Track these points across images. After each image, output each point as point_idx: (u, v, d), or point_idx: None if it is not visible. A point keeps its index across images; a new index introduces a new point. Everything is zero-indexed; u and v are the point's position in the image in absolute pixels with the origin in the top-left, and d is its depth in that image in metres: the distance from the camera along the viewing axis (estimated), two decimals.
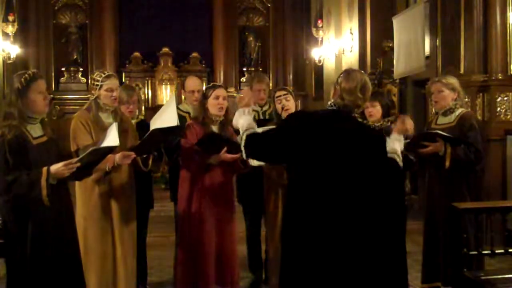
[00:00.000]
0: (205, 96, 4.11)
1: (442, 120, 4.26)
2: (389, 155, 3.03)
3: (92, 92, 3.87)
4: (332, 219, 2.79)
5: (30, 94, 3.17)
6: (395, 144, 3.10)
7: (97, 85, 3.83)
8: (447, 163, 3.99)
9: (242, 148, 2.97)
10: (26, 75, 3.18)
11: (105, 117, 3.84)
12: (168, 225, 5.55)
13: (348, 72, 2.98)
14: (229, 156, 3.91)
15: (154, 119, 3.94)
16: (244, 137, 2.97)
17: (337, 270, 2.78)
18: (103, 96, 3.82)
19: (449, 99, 4.19)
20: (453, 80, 4.25)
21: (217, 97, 4.06)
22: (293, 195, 2.92)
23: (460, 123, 4.13)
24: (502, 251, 3.78)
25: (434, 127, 4.27)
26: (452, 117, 4.20)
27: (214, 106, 4.06)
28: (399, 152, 3.09)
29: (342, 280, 2.78)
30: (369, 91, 2.95)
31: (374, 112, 4.22)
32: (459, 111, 4.21)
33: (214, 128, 4.08)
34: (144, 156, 3.97)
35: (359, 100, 2.90)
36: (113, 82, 3.87)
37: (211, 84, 4.27)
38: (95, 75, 3.90)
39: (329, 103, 3.00)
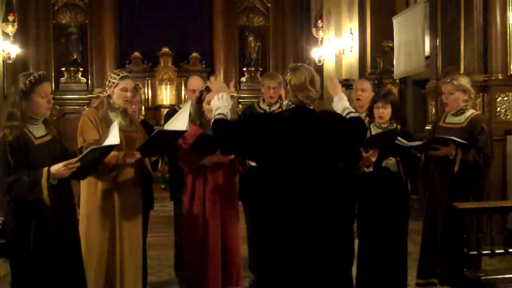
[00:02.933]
0: (199, 99, 4.09)
1: (451, 119, 4.23)
2: (347, 116, 3.04)
3: (106, 89, 3.87)
4: (303, 214, 2.80)
5: (34, 97, 3.17)
6: (344, 103, 3.13)
7: (113, 83, 3.82)
8: (456, 168, 3.99)
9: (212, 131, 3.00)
10: (32, 77, 3.18)
11: (114, 116, 3.83)
12: (168, 225, 5.55)
13: (293, 69, 2.97)
14: (223, 157, 3.90)
15: (168, 124, 3.95)
16: (212, 120, 3.01)
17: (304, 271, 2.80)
18: (117, 95, 3.82)
19: (460, 101, 4.15)
20: (464, 81, 4.21)
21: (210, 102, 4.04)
22: (261, 196, 2.91)
23: (471, 126, 4.10)
24: (502, 251, 3.79)
25: (442, 126, 4.26)
26: (462, 118, 4.17)
27: (209, 111, 4.03)
28: (350, 107, 3.13)
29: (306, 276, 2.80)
30: (318, 82, 2.96)
31: (385, 113, 4.09)
32: (469, 112, 4.17)
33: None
34: (154, 159, 3.96)
35: (311, 93, 2.91)
36: (129, 83, 3.87)
37: (205, 86, 4.17)
38: (112, 73, 3.92)
39: (284, 103, 3.00)
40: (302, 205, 2.80)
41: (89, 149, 3.22)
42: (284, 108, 3.01)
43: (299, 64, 3.06)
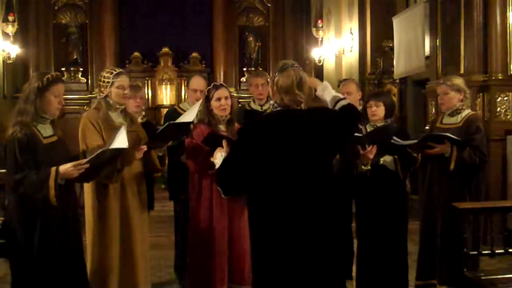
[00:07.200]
0: (207, 98, 4.06)
1: (448, 120, 4.25)
2: (338, 105, 2.91)
3: (102, 90, 3.78)
4: (302, 218, 2.72)
5: (48, 95, 3.20)
6: (330, 91, 3.00)
7: (108, 82, 3.74)
8: (452, 165, 4.00)
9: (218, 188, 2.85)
10: (49, 75, 3.23)
11: (115, 117, 3.78)
12: (168, 225, 5.55)
13: (281, 70, 2.81)
14: None
15: (178, 119, 3.97)
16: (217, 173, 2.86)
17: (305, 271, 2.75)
18: (114, 93, 3.75)
19: (455, 100, 4.17)
20: (458, 81, 4.23)
21: (219, 99, 4.01)
22: (258, 203, 2.80)
23: (467, 125, 4.12)
24: (502, 251, 3.79)
25: (439, 127, 4.27)
26: (458, 118, 4.18)
27: (217, 108, 4.03)
28: (339, 94, 3.01)
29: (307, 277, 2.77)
30: (306, 85, 2.81)
31: (378, 111, 4.13)
32: (465, 112, 4.19)
33: (222, 127, 4.04)
34: (161, 154, 3.95)
35: (298, 97, 2.77)
36: (124, 80, 3.80)
37: (212, 84, 4.16)
38: (105, 73, 3.81)
39: (271, 102, 2.88)
40: (297, 207, 2.76)
41: (99, 151, 3.21)
42: (271, 108, 2.92)
43: (288, 64, 2.87)
